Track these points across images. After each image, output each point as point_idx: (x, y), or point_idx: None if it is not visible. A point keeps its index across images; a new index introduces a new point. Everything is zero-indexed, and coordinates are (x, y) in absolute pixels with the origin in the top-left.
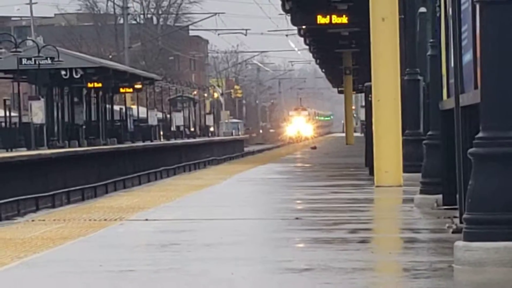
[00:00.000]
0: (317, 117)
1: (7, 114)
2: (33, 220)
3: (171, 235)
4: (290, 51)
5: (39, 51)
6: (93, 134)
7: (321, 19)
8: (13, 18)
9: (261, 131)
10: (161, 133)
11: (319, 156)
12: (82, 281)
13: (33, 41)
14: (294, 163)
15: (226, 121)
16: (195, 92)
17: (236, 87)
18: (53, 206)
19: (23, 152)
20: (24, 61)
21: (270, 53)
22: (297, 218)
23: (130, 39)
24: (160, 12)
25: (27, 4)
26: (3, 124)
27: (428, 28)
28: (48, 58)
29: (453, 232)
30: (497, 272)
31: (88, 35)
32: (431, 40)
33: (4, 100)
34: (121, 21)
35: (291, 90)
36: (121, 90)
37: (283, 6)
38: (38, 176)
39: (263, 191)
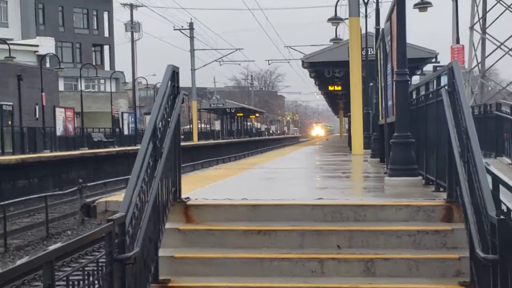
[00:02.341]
0: (326, 126)
1: (204, 126)
2: (215, 168)
3: (270, 174)
4: (317, 100)
5: (217, 101)
6: (239, 134)
7: (330, 88)
8: (207, 88)
9: (305, 133)
10: (266, 133)
11: (328, 143)
12: (236, 191)
13: (216, 97)
14: (317, 145)
15: (292, 129)
16: (280, 117)
17: (296, 115)
18: (223, 162)
19: (211, 141)
20: (212, 105)
21: (310, 101)
22: (321, 168)
23: (253, 97)
24: (265, 84)
25: (212, 82)
26: (203, 130)
27: (374, 91)
28: (221, 104)
29: (384, 173)
30: (396, 184)
31: (236, 95)
32: (375, 96)
33: (204, 121)
34: (250, 89)
35: (317, 115)
36: (251, 116)
37: (314, 82)
38: (217, 150)
39: (306, 156)
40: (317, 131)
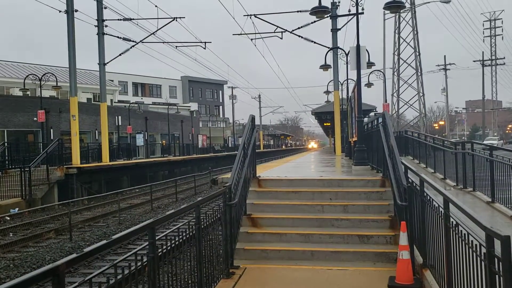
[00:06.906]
0: (319, 141)
1: (266, 142)
2: (271, 162)
3: (297, 164)
4: (319, 130)
5: (271, 131)
6: (282, 146)
7: (324, 124)
8: (267, 124)
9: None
10: (294, 146)
11: (323, 150)
12: (281, 172)
13: (271, 129)
14: (318, 151)
15: (307, 144)
16: (300, 138)
17: (308, 137)
18: (275, 159)
19: (269, 149)
20: (269, 133)
21: (315, 130)
22: (320, 162)
23: (288, 128)
24: (294, 122)
25: (269, 121)
26: (265, 144)
27: (345, 125)
28: (273, 132)
29: (352, 164)
30: (357, 169)
31: (280, 128)
32: (346, 128)
33: (265, 140)
34: (287, 125)
35: (317, 136)
36: (287, 138)
37: (317, 121)
38: (272, 153)
39: (313, 156)
40: (312, 144)
